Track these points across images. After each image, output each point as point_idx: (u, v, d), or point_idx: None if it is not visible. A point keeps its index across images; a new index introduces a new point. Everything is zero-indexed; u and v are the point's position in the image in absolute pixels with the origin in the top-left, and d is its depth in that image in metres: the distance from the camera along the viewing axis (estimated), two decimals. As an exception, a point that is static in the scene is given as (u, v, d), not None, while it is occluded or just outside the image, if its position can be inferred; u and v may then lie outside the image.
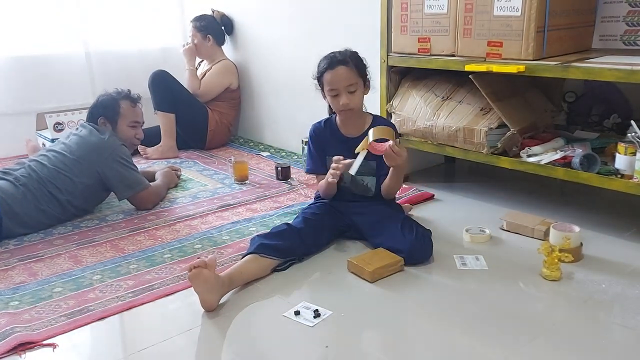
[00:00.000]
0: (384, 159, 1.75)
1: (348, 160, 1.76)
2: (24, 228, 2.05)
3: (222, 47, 3.43)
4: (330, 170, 1.81)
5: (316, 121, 2.02)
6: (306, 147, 2.66)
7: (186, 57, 3.30)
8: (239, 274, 1.62)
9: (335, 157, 1.81)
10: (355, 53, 1.89)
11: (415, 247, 1.74)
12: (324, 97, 1.91)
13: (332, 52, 1.87)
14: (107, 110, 2.32)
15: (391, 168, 1.80)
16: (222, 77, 3.32)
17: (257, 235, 1.79)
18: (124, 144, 2.29)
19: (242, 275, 1.64)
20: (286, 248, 1.73)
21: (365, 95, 1.91)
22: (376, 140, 1.71)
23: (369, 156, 1.75)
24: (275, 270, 1.72)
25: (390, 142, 1.70)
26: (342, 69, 1.81)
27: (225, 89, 3.33)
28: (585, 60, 1.89)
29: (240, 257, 1.71)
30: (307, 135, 2.81)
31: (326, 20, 2.78)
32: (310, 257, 1.81)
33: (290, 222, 1.87)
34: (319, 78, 1.87)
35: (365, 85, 1.89)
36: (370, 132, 1.72)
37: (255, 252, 1.68)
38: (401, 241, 1.75)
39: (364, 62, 1.89)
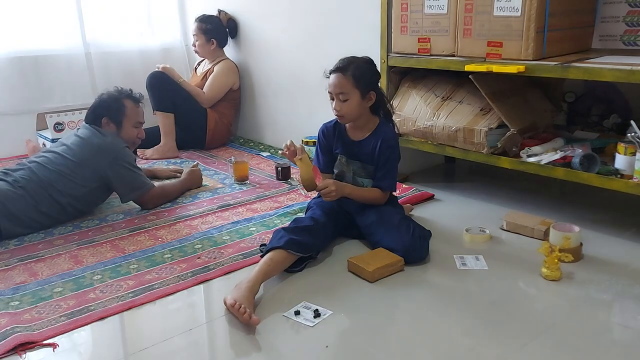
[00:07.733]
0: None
1: (299, 146, 1.83)
2: (24, 228, 2.05)
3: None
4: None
5: (327, 121, 1.99)
6: (306, 147, 2.67)
7: (168, 74, 3.18)
8: (265, 275, 1.60)
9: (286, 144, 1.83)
10: (363, 63, 1.84)
11: (410, 247, 1.74)
12: None
13: (346, 57, 1.84)
14: (110, 111, 2.26)
15: None
16: (226, 79, 3.30)
17: (283, 228, 1.74)
18: (127, 145, 2.26)
19: (269, 275, 1.62)
20: (312, 244, 1.72)
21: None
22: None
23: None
24: (289, 270, 1.70)
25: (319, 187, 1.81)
26: (337, 76, 1.81)
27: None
28: (585, 60, 1.89)
29: (243, 255, 1.71)
30: (307, 135, 2.84)
31: (326, 20, 2.79)
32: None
33: (305, 216, 1.86)
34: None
35: (366, 96, 1.83)
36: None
37: (285, 247, 1.65)
38: (397, 240, 1.75)
39: (370, 73, 1.84)
